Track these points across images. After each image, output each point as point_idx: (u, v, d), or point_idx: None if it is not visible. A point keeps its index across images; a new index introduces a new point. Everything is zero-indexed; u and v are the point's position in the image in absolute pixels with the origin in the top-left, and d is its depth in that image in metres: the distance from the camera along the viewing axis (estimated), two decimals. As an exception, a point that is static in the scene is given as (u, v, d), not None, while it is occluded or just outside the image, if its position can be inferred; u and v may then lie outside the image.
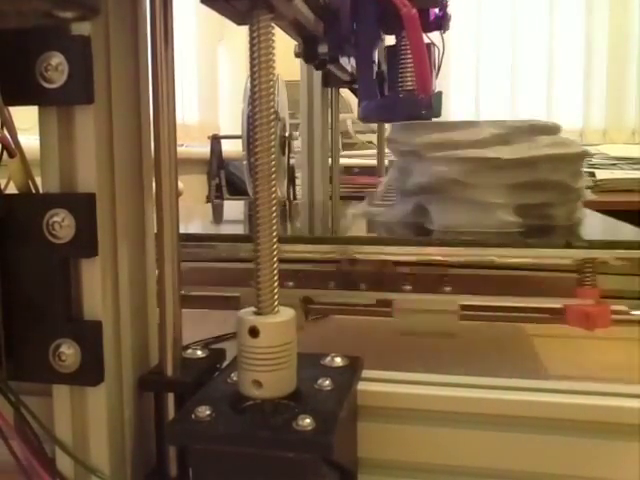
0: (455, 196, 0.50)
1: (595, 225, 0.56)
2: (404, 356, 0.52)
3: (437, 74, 0.64)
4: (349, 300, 0.56)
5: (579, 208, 0.55)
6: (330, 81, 0.90)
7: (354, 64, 0.66)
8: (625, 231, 0.55)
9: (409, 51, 0.57)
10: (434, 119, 0.61)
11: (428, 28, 0.60)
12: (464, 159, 0.48)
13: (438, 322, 0.50)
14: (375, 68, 0.63)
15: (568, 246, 0.45)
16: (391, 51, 0.63)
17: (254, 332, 0.29)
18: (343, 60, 0.66)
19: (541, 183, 0.49)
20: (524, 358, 0.58)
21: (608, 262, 0.45)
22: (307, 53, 0.61)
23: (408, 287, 0.52)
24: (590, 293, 0.48)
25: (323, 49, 0.60)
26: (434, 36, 0.63)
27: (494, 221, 0.49)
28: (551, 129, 0.52)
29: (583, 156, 0.52)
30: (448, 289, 0.52)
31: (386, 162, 1.01)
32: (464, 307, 0.51)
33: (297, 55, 0.62)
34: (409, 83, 0.60)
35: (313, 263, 0.58)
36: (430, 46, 0.61)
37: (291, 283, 0.54)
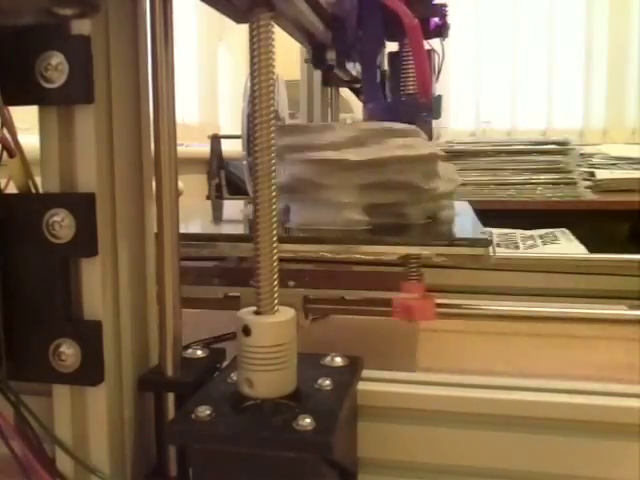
0: (310, 196, 0.52)
1: (448, 223, 0.58)
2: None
3: (437, 78, 0.68)
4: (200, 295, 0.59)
5: (445, 207, 0.57)
6: (330, 81, 0.90)
7: (359, 68, 0.71)
8: (466, 229, 0.57)
9: (411, 57, 0.61)
10: (434, 120, 0.64)
11: (429, 36, 0.64)
12: (316, 161, 0.51)
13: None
14: (380, 73, 0.67)
15: (388, 243, 0.48)
16: (394, 57, 0.66)
17: (247, 331, 0.29)
18: (348, 65, 0.73)
19: (390, 184, 0.52)
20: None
21: (431, 258, 0.47)
22: (316, 59, 0.67)
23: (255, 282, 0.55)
24: (415, 287, 0.51)
25: (331, 55, 0.66)
26: (434, 43, 0.67)
27: (342, 219, 0.51)
28: (406, 132, 0.54)
29: (434, 158, 0.54)
30: (292, 283, 0.55)
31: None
32: (307, 300, 0.54)
33: (307, 61, 0.68)
34: (410, 87, 0.63)
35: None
36: (431, 52, 0.65)
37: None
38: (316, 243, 0.49)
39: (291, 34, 0.63)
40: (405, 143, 0.52)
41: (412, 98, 0.62)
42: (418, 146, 0.53)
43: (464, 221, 0.60)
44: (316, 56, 0.67)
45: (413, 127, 0.56)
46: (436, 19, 0.65)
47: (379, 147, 0.51)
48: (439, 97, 0.65)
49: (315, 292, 0.55)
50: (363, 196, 0.51)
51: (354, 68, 0.75)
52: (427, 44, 0.62)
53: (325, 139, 0.51)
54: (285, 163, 0.53)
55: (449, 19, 0.66)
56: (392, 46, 0.67)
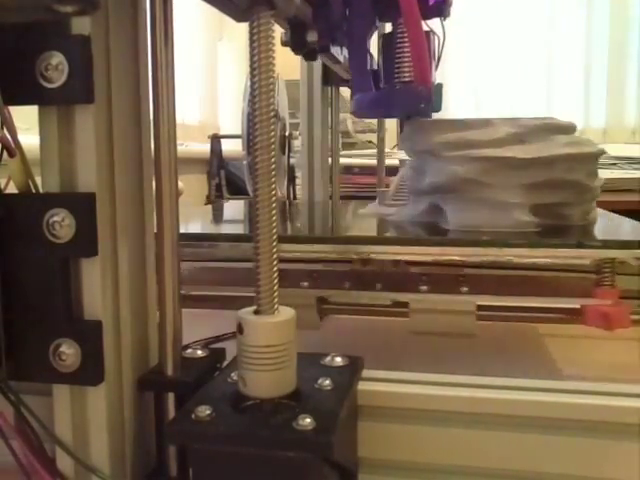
0: (471, 196, 0.49)
1: (611, 225, 0.56)
2: (418, 357, 0.52)
3: (437, 65, 0.60)
4: (364, 301, 0.56)
5: (594, 208, 0.55)
6: (330, 79, 0.89)
7: (347, 54, 0.61)
8: None
9: (406, 39, 0.54)
10: (434, 113, 0.59)
11: (427, 14, 0.55)
12: (480, 158, 0.48)
13: (455, 322, 0.50)
14: (369, 58, 0.59)
15: (586, 246, 0.45)
16: (387, 40, 0.59)
17: (240, 329, 0.29)
18: (335, 50, 0.61)
19: (557, 182, 0.49)
20: (535, 359, 0.58)
21: (627, 262, 0.45)
22: (295, 41, 0.55)
23: (424, 287, 0.52)
24: (609, 293, 0.48)
25: (312, 37, 0.54)
26: (434, 26, 0.59)
27: (510, 221, 0.48)
28: (567, 128, 0.51)
29: (599, 155, 0.51)
30: (465, 289, 0.51)
31: (387, 161, 1.01)
32: (481, 307, 0.51)
33: (284, 44, 0.56)
34: (406, 74, 0.56)
35: (328, 263, 0.57)
36: (429, 34, 0.57)
37: (306, 283, 0.54)
38: (497, 247, 0.45)
39: None
40: (570, 140, 0.50)
41: (408, 87, 0.56)
42: (583, 143, 0.51)
43: (618, 222, 0.58)
44: (295, 38, 0.54)
45: (572, 122, 0.52)
46: None
47: (542, 144, 0.48)
48: (439, 86, 0.58)
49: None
50: (530, 196, 0.49)
51: (341, 54, 0.63)
52: (425, 25, 0.53)
53: (486, 136, 0.48)
54: (439, 161, 0.50)
55: None
56: (386, 28, 0.60)
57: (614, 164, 1.75)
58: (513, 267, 0.53)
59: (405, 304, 0.52)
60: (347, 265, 0.59)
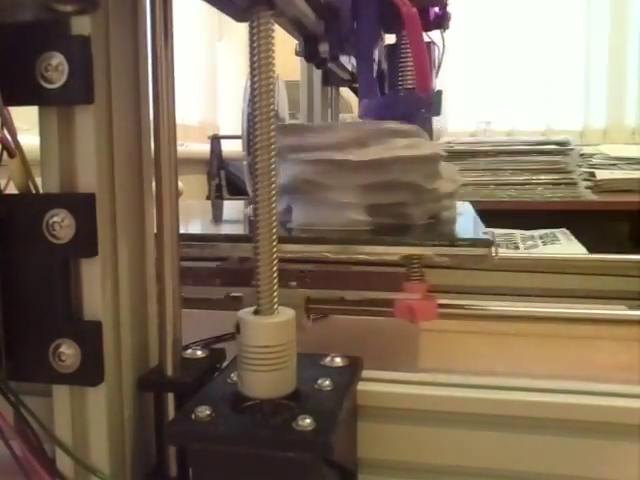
0: (312, 196, 0.52)
1: (450, 224, 0.58)
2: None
3: (437, 73, 0.65)
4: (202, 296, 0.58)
5: (446, 207, 0.57)
6: (330, 80, 0.90)
7: (354, 63, 0.67)
8: (468, 230, 0.56)
9: (409, 50, 0.58)
10: (434, 117, 0.61)
11: (428, 27, 0.60)
12: (319, 161, 0.51)
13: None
14: (375, 67, 0.63)
15: (389, 244, 0.48)
16: (391, 50, 0.63)
17: (237, 329, 0.29)
18: (343, 59, 0.67)
19: (392, 184, 0.51)
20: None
21: (432, 258, 0.47)
22: (308, 52, 0.62)
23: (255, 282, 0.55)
24: (416, 287, 0.50)
25: (324, 48, 0.61)
26: (435, 37, 0.64)
27: (345, 220, 0.51)
28: (408, 132, 0.54)
29: (436, 158, 0.54)
30: (293, 284, 0.55)
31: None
32: (309, 301, 0.54)
33: (298, 54, 0.63)
34: (409, 82, 0.60)
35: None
36: (430, 45, 0.62)
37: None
38: (318, 243, 0.48)
39: (281, 25, 0.60)
40: (408, 143, 0.52)
41: (410, 93, 0.59)
42: (421, 146, 0.53)
43: (466, 221, 0.60)
44: (308, 49, 0.62)
45: (415, 127, 0.55)
46: (436, 9, 0.62)
47: (381, 147, 0.51)
48: (439, 92, 0.61)
49: (317, 292, 0.55)
50: (365, 196, 0.51)
51: (349, 62, 0.71)
52: (426, 36, 0.59)
53: (327, 139, 0.51)
54: (287, 163, 0.53)
55: (449, 9, 0.62)
56: (391, 39, 0.64)
57: (614, 164, 1.75)
58: (338, 262, 0.59)
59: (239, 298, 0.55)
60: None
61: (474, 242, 0.46)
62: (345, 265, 0.62)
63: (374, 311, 0.55)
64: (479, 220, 0.60)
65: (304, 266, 0.61)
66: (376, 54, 0.63)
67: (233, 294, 0.56)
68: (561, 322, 0.57)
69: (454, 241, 0.47)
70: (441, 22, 0.62)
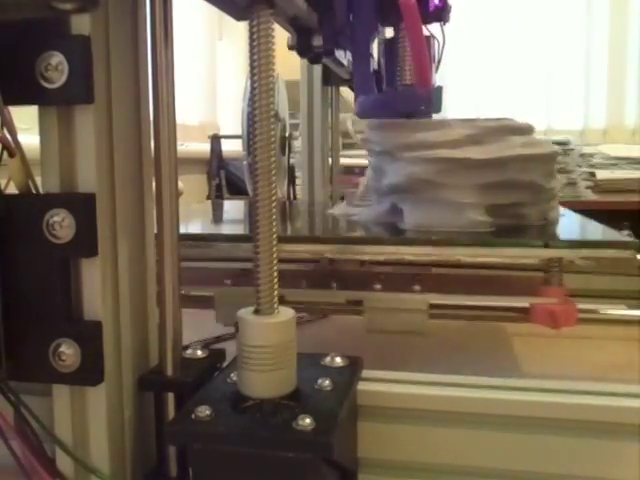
0: (427, 196, 0.50)
1: (568, 225, 0.57)
2: (373, 354, 0.53)
3: (437, 68, 0.62)
4: (321, 299, 0.56)
5: (553, 208, 0.56)
6: (330, 79, 0.89)
7: (350, 58, 0.63)
8: (596, 231, 0.55)
9: (408, 43, 0.56)
10: (434, 114, 0.59)
11: (427, 19, 0.57)
12: (436, 159, 0.49)
13: (408, 320, 0.50)
14: (372, 62, 0.61)
15: (531, 246, 0.46)
16: (389, 44, 0.61)
17: (240, 330, 0.29)
18: (339, 53, 0.64)
19: (512, 183, 0.50)
20: (499, 357, 0.59)
21: (574, 261, 0.46)
22: (301, 46, 0.59)
23: (378, 286, 0.53)
24: (556, 292, 0.49)
25: (318, 42, 0.58)
26: (435, 32, 0.61)
27: (465, 221, 0.49)
28: (523, 129, 0.52)
29: (554, 156, 0.52)
30: (417, 288, 0.52)
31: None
32: (433, 306, 0.52)
33: (290, 47, 0.60)
34: (408, 77, 0.58)
35: (286, 262, 0.58)
36: (430, 39, 0.59)
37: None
38: (448, 245, 0.46)
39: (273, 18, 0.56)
40: (525, 141, 0.50)
41: (409, 89, 0.57)
42: (538, 144, 0.51)
43: (578, 222, 0.58)
44: (301, 42, 0.58)
45: (529, 124, 0.53)
46: (436, 0, 0.59)
47: (499, 145, 0.49)
48: (439, 88, 0.59)
49: (439, 297, 0.53)
50: (484, 196, 0.49)
51: (345, 57, 0.67)
52: (426, 30, 0.56)
53: (442, 137, 0.49)
54: (397, 162, 0.51)
55: (449, 0, 0.59)
56: (388, 33, 0.62)
57: (614, 164, 1.75)
58: (465, 266, 0.55)
59: (360, 302, 0.53)
60: (303, 264, 0.59)
61: (621, 244, 0.44)
62: (464, 269, 0.58)
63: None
64: (593, 221, 0.58)
65: (427, 269, 0.57)
66: (373, 48, 0.61)
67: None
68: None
69: (601, 244, 0.45)
70: (441, 14, 0.59)
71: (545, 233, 0.51)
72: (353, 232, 0.60)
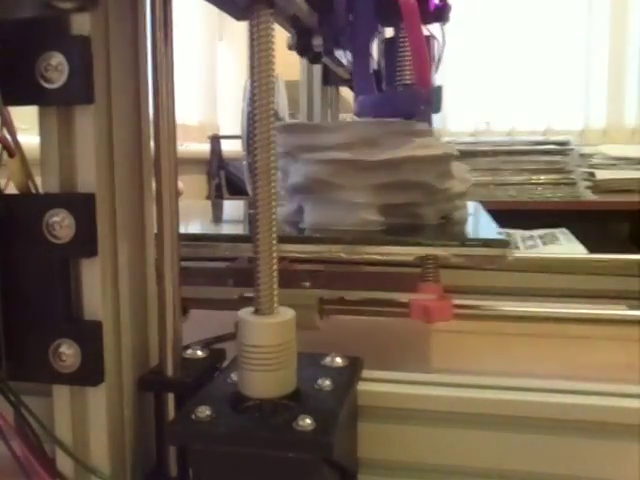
0: (324, 196, 0.52)
1: (463, 224, 0.58)
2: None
3: (437, 68, 0.63)
4: (215, 296, 0.57)
5: (459, 207, 0.57)
6: (330, 79, 0.89)
7: (350, 57, 0.63)
8: (485, 230, 0.56)
9: (407, 43, 0.56)
10: (434, 114, 0.60)
11: (427, 19, 0.58)
12: (331, 161, 0.50)
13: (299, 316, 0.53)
14: (372, 62, 0.61)
15: (405, 244, 0.47)
16: (389, 44, 0.61)
17: (239, 330, 0.29)
18: (339, 53, 0.65)
19: (404, 184, 0.51)
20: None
21: (448, 258, 0.47)
22: (301, 45, 0.60)
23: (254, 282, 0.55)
24: (431, 288, 0.50)
25: (317, 41, 0.59)
26: (435, 32, 0.61)
27: (357, 220, 0.51)
28: (420, 132, 0.54)
29: (448, 158, 0.53)
30: (307, 284, 0.54)
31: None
32: (322, 301, 0.53)
33: (290, 47, 0.61)
34: (407, 77, 0.58)
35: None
36: (430, 39, 0.60)
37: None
38: (331, 244, 0.48)
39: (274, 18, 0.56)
40: (420, 143, 0.51)
41: (409, 89, 0.57)
42: (432, 146, 0.52)
43: (478, 221, 0.60)
44: (301, 42, 0.59)
45: (426, 126, 0.54)
46: (436, 0, 0.59)
47: (393, 147, 0.50)
48: (439, 88, 0.59)
49: (330, 293, 0.54)
50: (378, 196, 0.50)
51: (344, 57, 0.66)
52: (426, 30, 0.56)
53: (338, 139, 0.50)
54: (298, 163, 0.52)
55: (449, 0, 0.59)
56: (388, 33, 0.61)
57: (614, 164, 1.75)
58: (350, 263, 0.58)
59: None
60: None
61: (491, 242, 0.46)
62: (358, 265, 0.61)
63: (386, 312, 0.55)
64: (491, 220, 0.59)
65: (316, 266, 0.60)
66: (373, 48, 0.61)
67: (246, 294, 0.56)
68: (561, 322, 0.57)
69: (471, 241, 0.46)
70: (441, 14, 0.59)
71: (430, 232, 0.52)
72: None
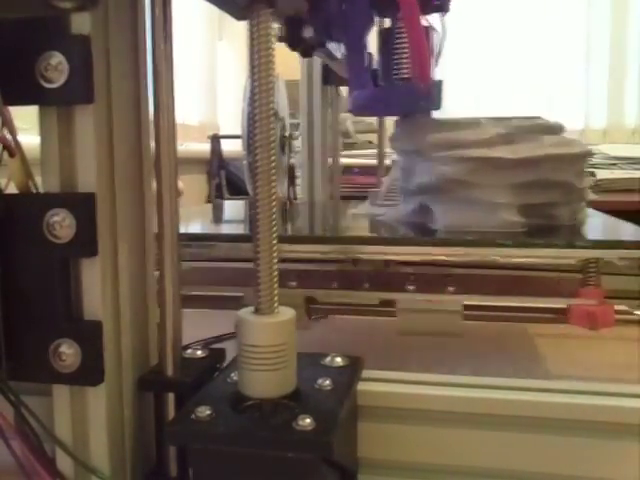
0: (458, 196, 0.50)
1: (599, 225, 0.56)
2: (405, 356, 0.52)
3: (437, 61, 0.60)
4: (352, 300, 0.56)
5: (583, 208, 0.55)
6: (330, 79, 0.89)
7: (344, 50, 0.60)
8: (629, 231, 0.55)
9: (405, 35, 0.52)
10: (434, 111, 0.58)
11: (427, 9, 0.55)
12: (467, 159, 0.48)
13: (441, 322, 0.50)
14: (367, 55, 0.58)
15: (571, 246, 0.45)
16: (385, 35, 0.58)
17: (239, 330, 0.29)
18: (332, 46, 0.61)
19: (544, 183, 0.49)
20: (525, 358, 0.59)
21: (612, 262, 0.45)
22: (291, 37, 0.55)
23: (411, 287, 0.53)
24: (594, 293, 0.48)
25: (308, 33, 0.54)
26: (434, 24, 0.58)
27: (498, 221, 0.49)
28: (555, 128, 0.52)
29: (586, 156, 0.52)
30: (451, 289, 0.52)
31: (387, 162, 1.01)
32: (467, 307, 0.51)
33: (280, 39, 0.55)
34: (405, 71, 0.55)
35: (316, 263, 0.57)
36: (429, 30, 0.57)
37: (294, 283, 0.54)
38: (482, 246, 0.46)
39: None
40: (557, 141, 0.50)
41: (407, 84, 0.55)
42: (570, 144, 0.51)
43: (607, 223, 0.58)
44: (291, 33, 0.54)
45: (558, 122, 0.53)
46: None
47: (531, 145, 0.49)
48: (439, 82, 0.56)
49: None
50: (517, 196, 0.49)
51: (339, 50, 0.62)
52: (425, 21, 0.53)
53: (473, 136, 0.49)
54: (428, 161, 0.50)
55: None
56: (384, 24, 0.58)
57: (614, 164, 1.75)
58: (499, 267, 0.54)
59: (392, 303, 0.52)
60: (334, 265, 0.59)
61: None
62: (498, 270, 0.57)
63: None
64: (620, 220, 0.57)
65: (460, 270, 0.57)
66: (368, 40, 0.57)
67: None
68: (561, 322, 0.56)
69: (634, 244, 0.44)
70: (441, 4, 0.56)
71: (579, 233, 0.51)
72: (380, 232, 0.59)
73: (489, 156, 0.48)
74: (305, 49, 0.57)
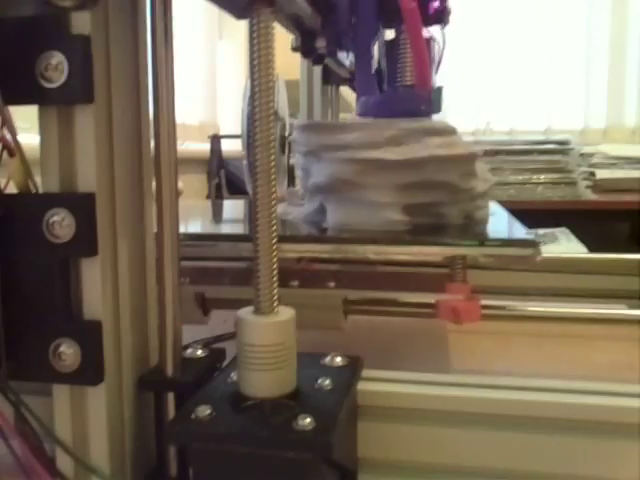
0: (347, 196, 0.51)
1: (486, 224, 0.57)
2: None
3: (437, 69, 0.64)
4: (239, 296, 0.58)
5: (481, 207, 0.56)
6: (330, 79, 0.89)
7: (352, 59, 0.66)
8: (514, 230, 0.56)
9: (408, 45, 0.57)
10: (434, 115, 0.60)
11: (428, 22, 0.59)
12: (354, 160, 0.50)
13: (323, 316, 0.51)
14: (374, 63, 0.62)
15: (434, 243, 0.47)
16: (390, 45, 0.62)
17: (239, 330, 0.29)
18: (341, 55, 0.67)
19: (428, 183, 0.51)
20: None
21: (477, 258, 0.47)
22: (305, 47, 0.61)
23: (295, 283, 0.55)
24: (460, 288, 0.50)
25: (321, 43, 0.60)
26: (435, 35, 0.62)
27: (382, 220, 0.50)
28: (444, 131, 0.53)
29: (472, 157, 0.53)
30: (332, 284, 0.54)
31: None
32: (347, 301, 0.53)
33: (294, 49, 0.62)
34: (408, 78, 0.59)
35: (209, 261, 0.59)
36: (430, 40, 0.60)
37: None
38: (358, 244, 0.48)
39: (278, 20, 0.56)
40: (443, 142, 0.51)
41: (409, 90, 0.58)
42: (456, 145, 0.52)
43: (502, 221, 0.59)
44: (305, 44, 0.61)
45: (450, 125, 0.54)
46: (436, 3, 0.60)
47: (417, 146, 0.50)
48: (439, 89, 0.60)
49: (355, 293, 0.54)
50: (402, 196, 0.50)
51: (347, 58, 0.70)
52: (426, 32, 0.57)
53: (361, 138, 0.50)
54: (321, 162, 0.52)
55: (449, 3, 0.60)
56: (389, 35, 0.62)
57: (614, 164, 1.75)
58: (377, 263, 0.58)
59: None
60: (226, 262, 0.60)
61: (522, 242, 0.45)
62: (382, 266, 0.61)
63: (412, 312, 0.55)
64: (515, 220, 0.59)
65: (342, 267, 0.60)
66: (374, 50, 0.62)
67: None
68: (561, 322, 0.57)
69: (502, 242, 0.46)
70: (441, 17, 0.61)
71: (456, 232, 0.52)
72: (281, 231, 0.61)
73: (374, 157, 0.50)
74: (317, 57, 0.64)
